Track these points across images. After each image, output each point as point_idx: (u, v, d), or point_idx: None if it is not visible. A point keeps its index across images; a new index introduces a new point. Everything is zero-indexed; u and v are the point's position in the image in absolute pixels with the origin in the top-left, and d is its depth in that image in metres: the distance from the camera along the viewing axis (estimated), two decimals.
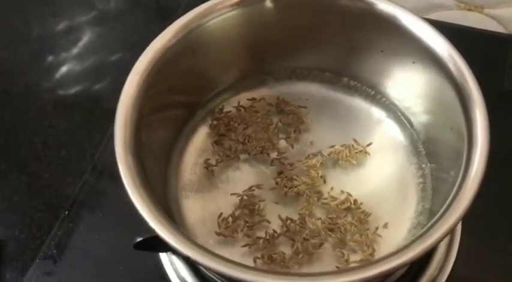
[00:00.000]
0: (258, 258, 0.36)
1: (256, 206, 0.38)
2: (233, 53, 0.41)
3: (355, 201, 0.38)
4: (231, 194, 0.39)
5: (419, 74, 0.38)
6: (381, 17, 0.37)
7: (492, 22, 0.55)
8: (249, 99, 0.43)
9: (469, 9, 0.55)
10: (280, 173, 0.39)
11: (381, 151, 0.40)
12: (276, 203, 0.39)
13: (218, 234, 0.37)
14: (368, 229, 0.37)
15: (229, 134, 0.42)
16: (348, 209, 0.38)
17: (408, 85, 0.40)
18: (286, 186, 0.38)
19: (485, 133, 0.31)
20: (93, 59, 0.62)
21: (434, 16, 0.56)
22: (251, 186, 0.39)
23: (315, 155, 0.40)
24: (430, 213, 0.37)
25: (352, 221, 0.37)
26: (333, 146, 0.40)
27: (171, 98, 0.39)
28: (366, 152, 0.40)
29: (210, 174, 0.40)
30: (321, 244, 0.37)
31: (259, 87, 0.43)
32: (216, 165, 0.41)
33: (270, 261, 0.36)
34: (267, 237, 0.37)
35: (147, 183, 0.32)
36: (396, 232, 0.37)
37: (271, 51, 0.42)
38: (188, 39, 0.37)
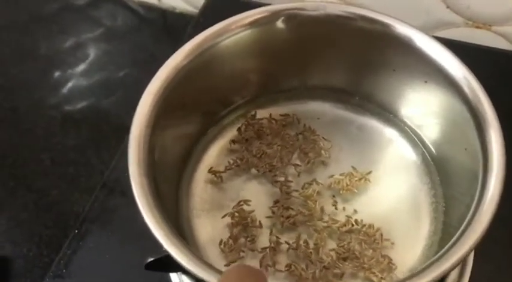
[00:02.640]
0: (269, 265, 0.36)
1: (249, 219, 0.38)
2: (245, 72, 0.41)
3: (370, 224, 0.38)
4: (222, 217, 0.38)
5: (433, 94, 0.38)
6: (395, 38, 0.37)
7: (501, 39, 0.55)
8: (281, 115, 0.43)
9: (477, 27, 0.55)
10: (276, 201, 0.39)
11: (393, 171, 0.40)
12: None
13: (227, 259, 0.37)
14: (381, 251, 0.37)
15: (252, 141, 0.42)
16: (360, 232, 0.37)
17: (421, 105, 0.40)
18: (282, 216, 0.38)
19: (501, 157, 0.31)
20: (100, 76, 0.62)
21: (442, 34, 0.57)
22: (239, 202, 0.39)
23: (309, 184, 0.40)
24: (443, 233, 0.37)
25: (365, 246, 0.37)
26: (332, 176, 0.40)
27: (184, 117, 0.39)
28: (366, 179, 0.39)
29: (220, 192, 0.40)
30: (342, 274, 0.36)
31: (271, 106, 0.43)
32: (224, 172, 0.40)
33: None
34: (272, 245, 0.37)
35: (160, 203, 0.32)
36: (410, 253, 0.37)
37: (284, 70, 0.42)
38: (201, 59, 0.37)
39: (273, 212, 0.39)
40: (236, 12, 0.54)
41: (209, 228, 0.38)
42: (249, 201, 0.39)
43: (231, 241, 0.37)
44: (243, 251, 0.37)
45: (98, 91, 0.61)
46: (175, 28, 0.66)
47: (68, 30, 0.66)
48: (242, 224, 0.38)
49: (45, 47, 0.65)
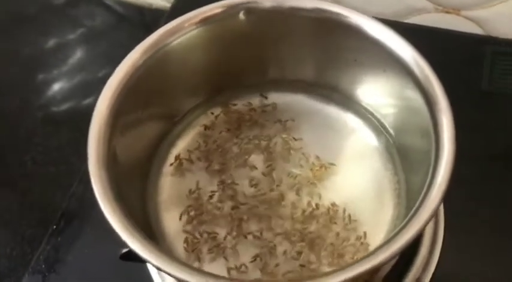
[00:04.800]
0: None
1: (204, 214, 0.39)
2: (206, 68, 0.41)
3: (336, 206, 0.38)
4: (180, 216, 0.39)
5: (391, 82, 0.38)
6: (351, 29, 0.37)
7: (469, 23, 0.56)
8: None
9: (447, 12, 0.56)
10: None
11: (357, 158, 0.41)
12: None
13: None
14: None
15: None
16: (327, 215, 0.38)
17: (382, 93, 0.40)
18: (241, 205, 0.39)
19: (451, 139, 0.32)
20: (81, 76, 0.63)
21: (414, 20, 0.57)
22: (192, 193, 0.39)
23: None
24: (405, 218, 0.37)
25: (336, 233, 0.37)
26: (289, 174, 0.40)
27: (147, 113, 0.40)
28: (328, 168, 0.40)
29: (187, 184, 0.41)
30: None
31: (234, 100, 0.43)
32: (189, 159, 0.41)
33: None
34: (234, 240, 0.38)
35: (121, 197, 0.32)
36: (374, 238, 0.37)
37: (245, 64, 0.42)
38: (160, 56, 0.38)
39: (234, 206, 0.39)
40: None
41: (177, 221, 0.39)
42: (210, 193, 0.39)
43: (193, 239, 0.38)
44: (209, 250, 0.38)
45: (80, 91, 0.62)
46: (153, 24, 0.66)
47: (48, 31, 0.67)
48: (198, 219, 0.39)
49: (27, 48, 0.66)
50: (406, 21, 0.58)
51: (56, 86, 0.62)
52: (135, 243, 0.30)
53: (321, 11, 0.38)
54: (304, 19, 0.39)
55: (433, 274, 0.40)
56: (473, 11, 0.55)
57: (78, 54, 0.65)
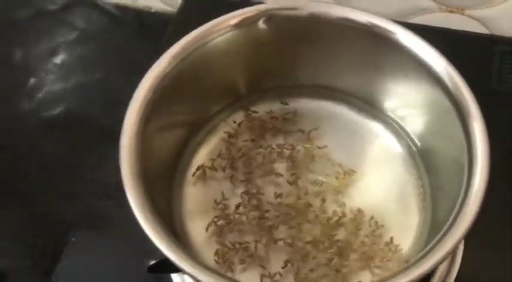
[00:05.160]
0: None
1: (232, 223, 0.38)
2: (232, 73, 0.42)
3: (361, 213, 0.39)
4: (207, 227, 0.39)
5: (414, 87, 0.38)
6: (377, 35, 0.38)
7: (474, 22, 0.56)
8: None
9: (451, 11, 0.56)
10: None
11: (380, 164, 0.41)
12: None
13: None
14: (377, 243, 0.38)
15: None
16: (354, 222, 0.38)
17: (403, 98, 0.41)
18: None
19: (485, 149, 0.32)
20: (77, 80, 0.62)
21: (418, 20, 0.57)
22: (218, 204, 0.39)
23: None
24: (432, 223, 0.38)
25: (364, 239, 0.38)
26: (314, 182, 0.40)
27: (172, 121, 0.40)
28: (349, 174, 0.40)
29: (211, 192, 0.40)
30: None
31: (255, 106, 0.43)
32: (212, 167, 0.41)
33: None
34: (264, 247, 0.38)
35: (154, 208, 0.32)
36: (401, 244, 0.38)
37: (270, 69, 0.43)
38: (185, 64, 0.38)
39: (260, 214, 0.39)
40: (214, 10, 0.55)
41: (203, 231, 0.39)
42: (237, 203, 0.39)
43: (224, 250, 0.38)
44: (241, 260, 0.38)
45: (76, 95, 0.61)
46: (152, 28, 0.65)
47: (43, 36, 0.66)
48: (226, 229, 0.39)
49: (20, 53, 0.65)
50: (410, 21, 0.58)
51: (51, 90, 0.61)
52: (173, 254, 0.31)
53: (347, 20, 0.38)
54: (327, 25, 0.39)
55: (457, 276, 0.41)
56: (477, 10, 0.56)
57: (74, 58, 0.64)
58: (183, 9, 0.59)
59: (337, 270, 0.36)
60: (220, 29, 0.38)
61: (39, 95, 0.60)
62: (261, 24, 0.38)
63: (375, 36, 0.38)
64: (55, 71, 0.63)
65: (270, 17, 0.38)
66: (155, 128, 0.37)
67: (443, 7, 0.56)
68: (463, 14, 0.56)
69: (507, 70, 0.52)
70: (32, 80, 0.62)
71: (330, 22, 0.38)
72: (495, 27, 0.56)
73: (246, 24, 0.38)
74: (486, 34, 0.56)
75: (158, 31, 0.64)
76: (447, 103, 0.35)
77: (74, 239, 0.46)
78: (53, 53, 0.64)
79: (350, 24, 0.38)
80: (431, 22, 0.57)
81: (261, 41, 0.40)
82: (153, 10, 0.66)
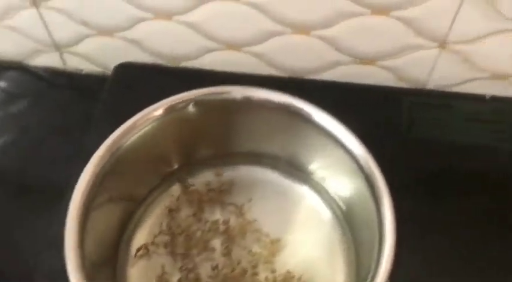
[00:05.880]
0: None
1: None
2: (164, 151, 0.45)
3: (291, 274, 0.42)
4: None
5: (333, 157, 0.43)
6: (293, 112, 0.42)
7: (385, 73, 0.62)
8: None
9: (363, 63, 0.61)
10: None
11: (308, 225, 0.46)
12: None
13: None
14: None
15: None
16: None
17: (325, 163, 0.45)
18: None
19: (392, 227, 0.37)
20: (10, 145, 0.63)
21: (336, 72, 0.62)
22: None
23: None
24: (357, 274, 0.42)
25: None
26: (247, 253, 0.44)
27: (112, 201, 0.43)
28: (279, 241, 0.44)
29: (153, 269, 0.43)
30: None
31: (192, 178, 0.47)
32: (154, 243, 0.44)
33: None
34: None
35: None
36: None
37: (200, 143, 0.47)
38: (121, 152, 0.42)
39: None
40: (144, 77, 0.58)
41: None
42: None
43: None
44: None
45: (8, 160, 0.62)
46: (84, 90, 0.67)
47: None
48: None
49: None
50: (327, 74, 0.63)
51: None
52: None
53: (266, 101, 0.42)
54: (248, 108, 0.43)
55: None
56: (387, 61, 0.61)
57: (6, 124, 0.65)
58: (115, 75, 0.62)
59: None
60: (150, 119, 0.42)
61: None
62: (190, 108, 0.42)
63: (292, 113, 0.42)
64: None
65: (198, 102, 0.42)
66: (97, 213, 0.40)
67: (358, 60, 0.61)
68: (374, 64, 0.61)
69: (416, 119, 0.57)
70: None
71: (251, 102, 0.42)
72: (403, 75, 0.62)
73: (175, 110, 0.42)
74: (396, 87, 0.61)
75: (90, 92, 0.67)
76: (360, 175, 0.39)
77: None
78: None
79: (270, 104, 0.42)
80: (348, 74, 0.62)
81: (190, 121, 0.44)
82: (83, 72, 0.68)
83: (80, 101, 0.66)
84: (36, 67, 0.69)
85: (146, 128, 0.42)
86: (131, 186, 0.44)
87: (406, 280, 0.42)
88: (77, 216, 0.38)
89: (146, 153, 0.43)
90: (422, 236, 0.47)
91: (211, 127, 0.45)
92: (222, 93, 0.43)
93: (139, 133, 0.42)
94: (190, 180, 0.47)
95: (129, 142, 0.41)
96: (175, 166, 0.47)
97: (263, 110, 0.43)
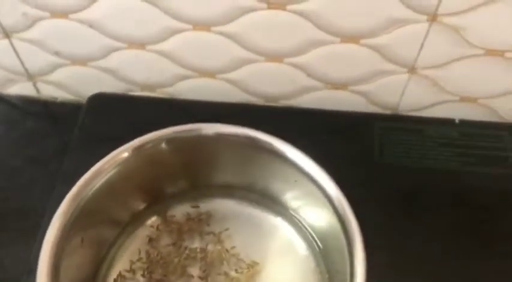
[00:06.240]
0: None
1: None
2: (139, 187, 0.46)
3: None
4: None
5: (304, 190, 0.44)
6: (259, 146, 0.43)
7: (357, 97, 0.63)
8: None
9: (336, 88, 0.62)
10: None
11: (282, 253, 0.47)
12: None
13: None
14: None
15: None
16: None
17: (297, 195, 0.46)
18: None
19: (362, 260, 0.38)
20: None
21: (308, 98, 0.63)
22: None
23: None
24: None
25: None
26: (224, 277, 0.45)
27: (90, 235, 0.44)
28: (255, 266, 0.45)
29: None
30: None
31: (170, 210, 0.49)
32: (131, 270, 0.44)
33: None
34: None
35: None
36: None
37: (174, 177, 0.48)
38: (96, 188, 0.42)
39: None
40: (119, 106, 0.58)
41: None
42: None
43: None
44: None
45: None
46: (59, 117, 0.68)
47: None
48: None
49: None
50: (300, 99, 0.64)
51: None
52: None
53: (233, 135, 0.44)
54: (219, 143, 0.44)
55: None
56: (359, 86, 0.62)
57: None
58: (89, 105, 0.62)
59: None
60: (117, 161, 0.43)
61: None
62: (162, 146, 0.43)
63: (262, 148, 0.43)
64: None
65: (169, 140, 0.44)
66: (74, 245, 0.41)
67: (329, 85, 0.62)
68: (346, 89, 0.63)
69: (387, 143, 0.58)
70: None
71: (222, 137, 0.44)
72: (375, 99, 0.63)
73: (144, 150, 0.44)
74: (368, 112, 0.63)
75: (65, 120, 0.67)
76: (333, 213, 0.41)
77: None
78: None
79: (239, 139, 0.43)
80: (321, 99, 0.63)
81: (161, 158, 0.45)
82: (58, 100, 0.69)
83: (56, 129, 0.66)
84: (9, 96, 0.68)
85: (113, 171, 0.43)
86: (104, 226, 0.45)
87: None
88: (48, 266, 0.38)
89: (115, 195, 0.44)
90: (393, 248, 0.48)
91: (183, 162, 0.46)
92: (192, 130, 0.44)
93: (107, 176, 0.43)
94: (169, 211, 0.48)
95: (96, 187, 0.42)
96: (152, 199, 0.48)
97: (234, 145, 0.44)
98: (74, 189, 0.41)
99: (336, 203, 0.40)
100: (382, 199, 0.55)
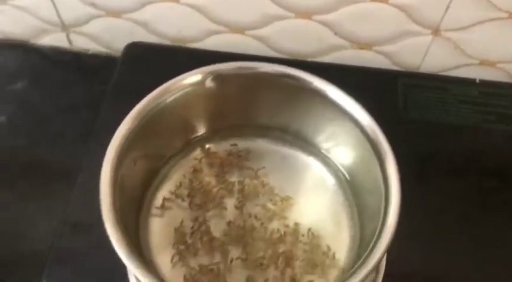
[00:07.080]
0: None
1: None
2: (187, 119, 0.49)
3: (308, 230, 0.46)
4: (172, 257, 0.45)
5: (340, 129, 0.47)
6: (308, 89, 0.46)
7: (381, 57, 0.65)
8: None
9: (361, 48, 0.65)
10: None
11: (314, 190, 0.49)
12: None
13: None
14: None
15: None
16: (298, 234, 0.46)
17: (330, 135, 0.49)
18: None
19: (397, 191, 0.40)
20: (23, 123, 0.65)
21: (335, 55, 0.65)
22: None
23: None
24: (361, 239, 0.45)
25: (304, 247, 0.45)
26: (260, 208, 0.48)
27: (141, 157, 0.46)
28: (288, 200, 0.48)
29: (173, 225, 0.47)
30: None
31: (212, 144, 0.51)
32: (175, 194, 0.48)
33: None
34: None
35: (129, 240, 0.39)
36: (338, 253, 0.45)
37: (219, 114, 0.50)
38: (150, 116, 0.45)
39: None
40: (154, 57, 0.61)
41: (169, 259, 0.45)
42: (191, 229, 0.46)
43: (191, 273, 0.44)
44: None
45: (24, 139, 0.63)
46: (90, 69, 0.69)
47: None
48: (187, 254, 0.45)
49: None
50: (327, 57, 0.66)
51: None
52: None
53: (285, 76, 0.47)
54: (270, 81, 0.47)
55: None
56: (383, 46, 0.64)
57: (17, 103, 0.66)
58: (125, 55, 0.64)
59: (293, 279, 0.44)
60: (173, 90, 0.46)
61: None
62: (208, 82, 0.46)
63: (299, 86, 0.46)
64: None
65: (215, 76, 0.46)
66: (128, 164, 0.43)
67: (355, 45, 0.65)
68: (371, 49, 0.65)
69: (411, 100, 0.61)
70: None
71: (262, 76, 0.47)
72: (398, 60, 0.65)
73: (194, 84, 0.46)
74: (391, 69, 0.65)
75: (97, 72, 0.69)
76: (367, 145, 0.44)
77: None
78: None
79: (283, 78, 0.46)
80: (345, 58, 0.65)
81: (215, 92, 0.47)
82: (90, 52, 0.71)
83: (86, 80, 0.68)
84: (42, 46, 0.70)
85: (169, 99, 0.45)
86: (158, 145, 0.48)
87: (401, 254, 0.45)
88: (111, 168, 0.41)
89: (175, 117, 0.47)
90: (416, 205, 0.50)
91: (230, 100, 0.49)
92: (251, 68, 0.47)
93: (164, 103, 0.45)
94: (211, 146, 0.51)
95: (160, 106, 0.45)
96: (199, 133, 0.50)
97: (274, 83, 0.47)
98: (141, 104, 0.44)
99: (370, 131, 0.44)
100: (404, 155, 0.57)
